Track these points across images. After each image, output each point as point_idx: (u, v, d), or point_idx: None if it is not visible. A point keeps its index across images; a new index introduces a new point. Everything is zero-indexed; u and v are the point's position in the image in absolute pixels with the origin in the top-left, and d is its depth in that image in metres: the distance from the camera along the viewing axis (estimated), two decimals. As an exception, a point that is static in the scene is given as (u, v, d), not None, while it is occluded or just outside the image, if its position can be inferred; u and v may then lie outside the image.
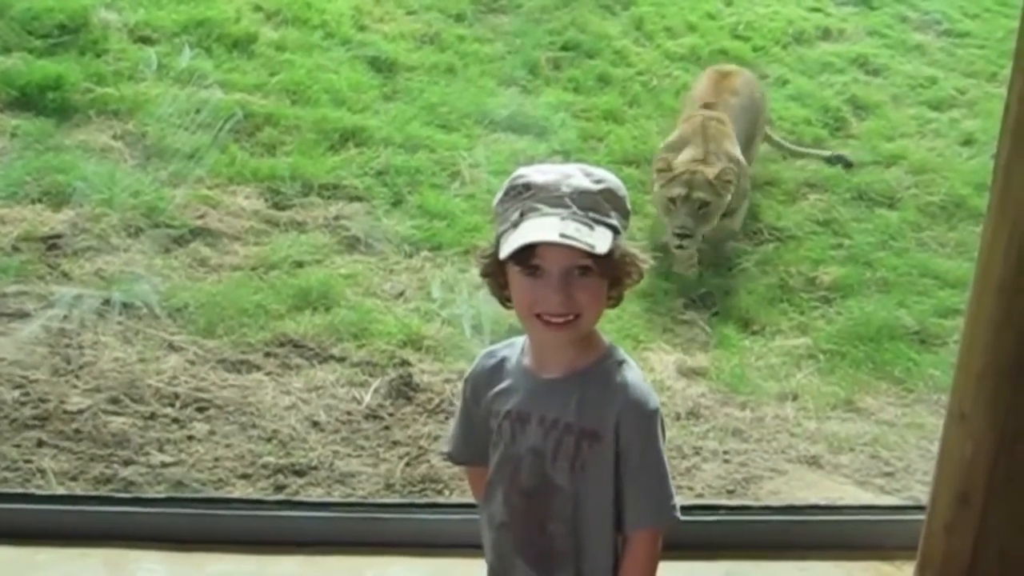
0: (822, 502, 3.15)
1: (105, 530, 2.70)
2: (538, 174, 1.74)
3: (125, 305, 3.82)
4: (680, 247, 4.38)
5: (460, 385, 2.00)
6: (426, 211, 4.53)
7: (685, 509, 1.81)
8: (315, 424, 3.37)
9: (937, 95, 5.97)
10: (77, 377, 3.47)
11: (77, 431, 3.24)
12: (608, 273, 1.73)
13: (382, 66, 5.53)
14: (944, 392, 2.85)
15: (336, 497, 3.07)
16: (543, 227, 1.66)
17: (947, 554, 2.42)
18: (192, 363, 3.60)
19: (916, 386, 3.83)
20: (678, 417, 3.53)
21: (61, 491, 3.01)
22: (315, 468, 3.19)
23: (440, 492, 3.12)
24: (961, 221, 4.82)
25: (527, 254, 1.68)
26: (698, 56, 6.04)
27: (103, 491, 3.02)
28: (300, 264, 4.16)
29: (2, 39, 5.14)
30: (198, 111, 4.89)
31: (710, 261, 4.50)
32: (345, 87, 5.27)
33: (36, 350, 3.58)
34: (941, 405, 3.00)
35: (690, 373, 3.83)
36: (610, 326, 3.52)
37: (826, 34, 6.53)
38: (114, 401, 3.37)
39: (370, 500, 3.05)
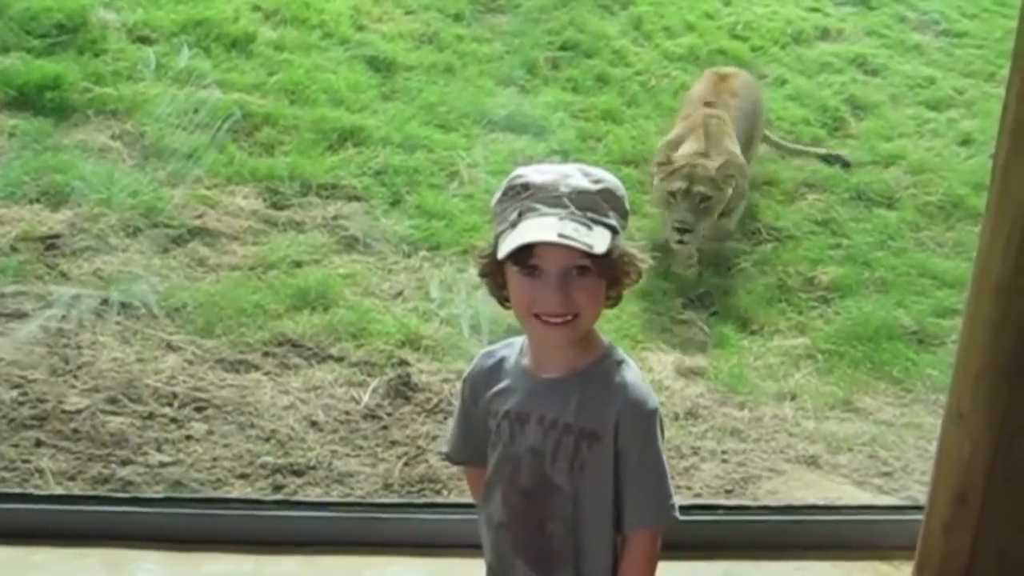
0: (820, 502, 3.15)
1: (103, 530, 2.70)
2: (536, 174, 1.73)
3: (123, 305, 3.82)
4: (680, 242, 4.36)
5: (459, 385, 2.00)
6: (424, 211, 4.53)
7: (683, 509, 1.80)
8: (313, 424, 3.37)
9: (935, 95, 5.98)
10: (75, 377, 3.47)
11: (75, 431, 3.24)
12: (606, 273, 1.73)
13: (380, 66, 5.53)
14: (942, 392, 2.85)
15: (334, 497, 3.07)
16: (541, 227, 1.66)
17: (945, 554, 2.42)
18: (190, 363, 3.59)
19: (914, 386, 3.83)
20: (676, 417, 3.53)
21: (59, 491, 3.01)
22: (313, 468, 3.19)
23: (438, 492, 3.12)
24: (959, 221, 4.83)
25: (525, 254, 1.68)
26: (696, 56, 6.04)
27: (101, 491, 3.02)
28: (298, 264, 4.16)
29: (0, 39, 5.14)
30: (196, 111, 4.88)
31: (709, 261, 4.50)
32: (343, 87, 5.27)
33: (34, 350, 3.58)
34: (939, 405, 3.00)
35: (688, 373, 3.83)
36: (608, 326, 3.52)
37: (824, 34, 6.54)
38: (112, 401, 3.37)
39: (368, 500, 3.05)
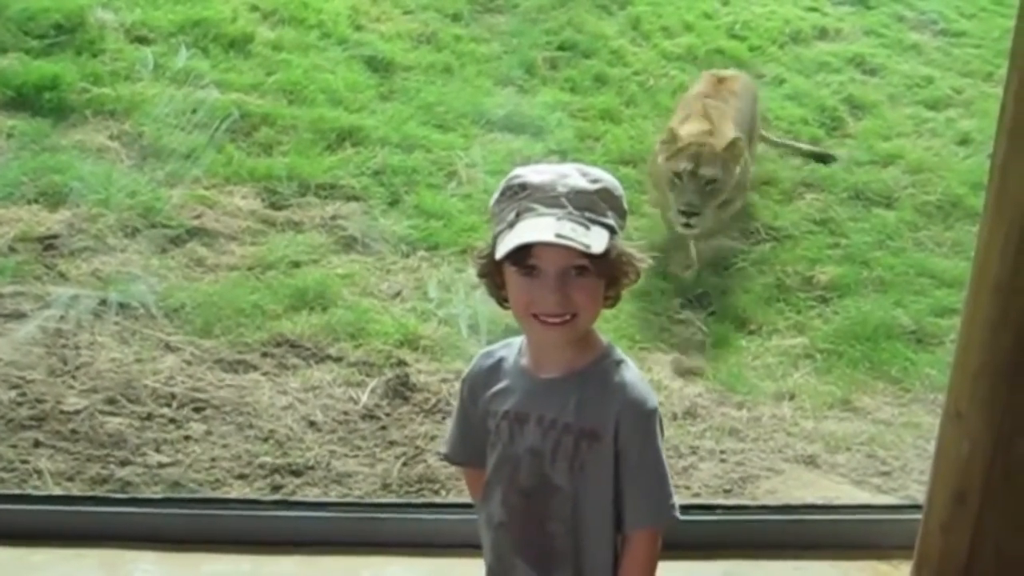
0: (819, 501, 3.15)
1: (101, 530, 2.70)
2: (534, 174, 1.73)
3: (122, 305, 3.82)
4: (687, 225, 4.23)
5: (457, 385, 2.00)
6: (423, 211, 4.53)
7: (682, 509, 1.80)
8: (312, 424, 3.37)
9: (933, 94, 5.97)
10: (74, 377, 3.47)
11: (74, 431, 3.24)
12: (605, 273, 1.72)
13: (379, 66, 5.53)
14: (941, 391, 2.85)
15: (333, 497, 3.07)
16: (539, 227, 1.66)
17: (944, 553, 2.42)
18: (189, 363, 3.59)
19: (913, 385, 3.83)
20: (675, 417, 3.53)
21: (58, 491, 3.00)
22: (312, 468, 3.19)
23: (437, 492, 3.12)
24: (958, 220, 4.83)
25: (523, 254, 1.68)
26: (695, 56, 6.04)
27: (100, 491, 3.02)
28: (297, 264, 4.15)
29: (-2, 39, 5.15)
30: (194, 111, 4.88)
31: (706, 261, 4.50)
32: (342, 87, 5.27)
33: (33, 350, 3.58)
34: (938, 404, 3.00)
35: (687, 373, 3.83)
36: (607, 326, 3.51)
37: (823, 33, 6.54)
38: (111, 401, 3.37)
39: (367, 500, 3.05)
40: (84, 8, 5.35)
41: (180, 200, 4.41)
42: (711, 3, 6.66)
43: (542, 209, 1.68)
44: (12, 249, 4.04)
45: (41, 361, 3.53)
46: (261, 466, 3.18)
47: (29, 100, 4.85)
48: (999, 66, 5.71)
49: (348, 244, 4.32)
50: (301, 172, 4.66)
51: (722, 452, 3.40)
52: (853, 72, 6.12)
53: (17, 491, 2.98)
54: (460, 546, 2.40)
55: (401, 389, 3.51)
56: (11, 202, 4.28)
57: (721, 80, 4.94)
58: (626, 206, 1.77)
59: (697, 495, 3.18)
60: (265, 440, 3.29)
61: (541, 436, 1.77)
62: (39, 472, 3.08)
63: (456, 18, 6.08)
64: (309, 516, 2.78)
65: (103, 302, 3.83)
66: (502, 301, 1.80)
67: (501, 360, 1.85)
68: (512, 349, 1.85)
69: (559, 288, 1.69)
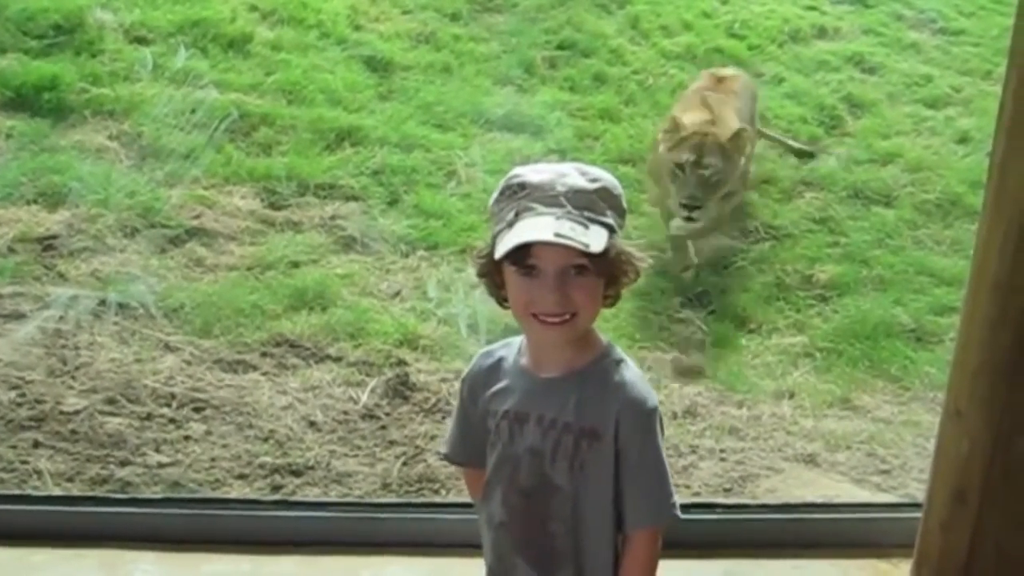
0: (819, 500, 3.15)
1: (101, 531, 2.70)
2: (533, 173, 1.73)
3: (121, 306, 3.82)
4: (689, 219, 4.14)
5: (457, 385, 2.00)
6: (422, 210, 4.53)
7: (682, 508, 1.80)
8: (312, 424, 3.37)
9: (932, 93, 5.97)
10: (73, 378, 3.47)
11: (73, 432, 3.24)
12: (604, 272, 1.72)
13: (378, 66, 5.53)
14: (940, 390, 2.85)
15: (333, 497, 3.07)
16: (538, 227, 1.66)
17: (944, 551, 2.42)
18: (188, 363, 3.59)
19: (912, 384, 3.83)
20: (675, 416, 3.53)
21: (57, 492, 3.00)
22: (312, 468, 3.19)
23: (437, 492, 3.12)
24: (957, 219, 4.83)
25: (522, 254, 1.68)
26: (694, 55, 6.04)
27: (99, 492, 3.02)
28: (296, 264, 4.15)
29: (-3, 40, 5.15)
30: (194, 111, 4.88)
31: (706, 260, 4.50)
32: (341, 87, 5.27)
33: (32, 351, 3.58)
34: (937, 403, 3.00)
35: (686, 372, 3.83)
36: (606, 325, 3.52)
37: (822, 32, 6.54)
38: (110, 402, 3.37)
39: (367, 500, 3.05)
40: (83, 8, 5.35)
41: (179, 200, 4.41)
42: (710, 2, 6.66)
43: (541, 208, 1.68)
44: (11, 249, 4.04)
45: (40, 361, 3.53)
46: (261, 466, 3.18)
47: (28, 100, 4.85)
48: (998, 64, 5.71)
49: (347, 244, 4.32)
50: (300, 172, 4.66)
51: (722, 451, 3.40)
52: (852, 71, 6.12)
53: (17, 491, 2.98)
54: (460, 546, 2.40)
55: (401, 389, 3.51)
56: (10, 202, 4.28)
57: (721, 79, 4.93)
58: (625, 205, 1.77)
59: (697, 494, 3.18)
60: (265, 440, 3.29)
61: (541, 436, 1.77)
62: (39, 472, 3.08)
63: (455, 17, 6.08)
64: (309, 516, 2.78)
65: (102, 302, 3.83)
66: (501, 301, 1.80)
67: (501, 360, 1.85)
68: (512, 349, 1.85)
69: (558, 287, 1.69)
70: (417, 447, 3.29)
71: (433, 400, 3.47)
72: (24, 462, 3.12)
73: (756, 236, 4.70)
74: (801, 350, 3.99)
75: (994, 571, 2.38)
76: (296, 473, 3.17)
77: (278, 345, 3.71)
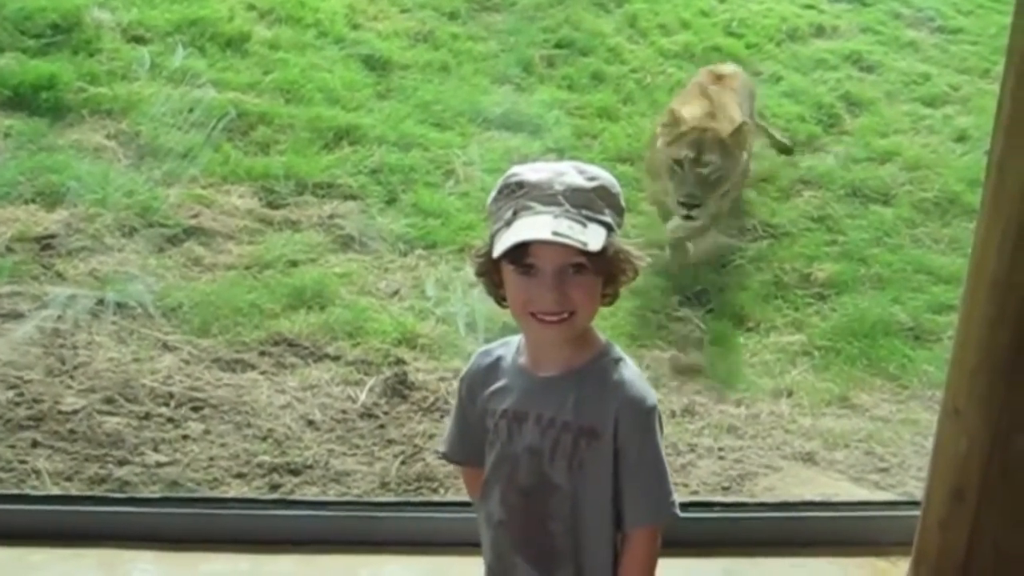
0: (817, 498, 3.15)
1: (100, 530, 2.70)
2: (531, 172, 1.73)
3: (119, 305, 3.82)
4: (688, 217, 4.08)
5: (455, 384, 2.00)
6: (420, 209, 4.53)
7: (680, 506, 1.80)
8: (310, 423, 3.37)
9: (930, 91, 5.98)
10: (72, 377, 3.46)
11: (72, 431, 3.24)
12: (602, 270, 1.72)
13: (376, 64, 5.53)
14: (938, 388, 2.85)
15: (331, 496, 3.07)
16: (536, 225, 1.66)
17: (942, 550, 2.42)
18: (187, 363, 3.59)
19: (910, 382, 3.83)
20: (673, 414, 3.53)
21: (56, 491, 3.00)
22: (310, 467, 3.19)
23: (435, 490, 3.12)
24: (955, 217, 4.83)
25: (521, 253, 1.68)
26: (692, 53, 6.04)
27: (98, 491, 3.02)
28: (294, 263, 4.15)
29: (-5, 39, 5.14)
30: (191, 110, 4.88)
31: (705, 258, 4.50)
32: (339, 86, 5.27)
33: (30, 350, 3.57)
34: (935, 401, 3.00)
35: (685, 370, 3.83)
36: (604, 323, 3.52)
37: (820, 31, 6.54)
38: (109, 401, 3.37)
39: (365, 499, 3.05)
40: (81, 7, 5.35)
41: (177, 199, 4.41)
42: (708, 0, 6.66)
43: (539, 207, 1.68)
44: (9, 249, 4.04)
45: (39, 361, 3.53)
46: (259, 465, 3.18)
47: (26, 100, 4.85)
48: (996, 63, 5.71)
49: (346, 243, 4.32)
50: (298, 171, 4.65)
51: (720, 449, 3.40)
52: (850, 69, 6.12)
53: (15, 491, 2.98)
54: (458, 545, 2.40)
55: (399, 388, 3.50)
56: (8, 202, 4.28)
57: (719, 77, 4.93)
58: (624, 204, 1.77)
59: (695, 493, 3.18)
60: (263, 439, 3.29)
61: (540, 434, 1.77)
62: (37, 472, 3.08)
63: (453, 16, 6.08)
64: (307, 515, 2.78)
65: (100, 302, 3.82)
66: (500, 299, 1.80)
67: (499, 359, 1.85)
68: (510, 347, 1.85)
69: (557, 286, 1.69)
70: (416, 446, 3.29)
71: (432, 399, 3.47)
72: (22, 461, 3.11)
73: (754, 234, 4.70)
74: (799, 348, 3.99)
75: (992, 569, 2.38)
76: (294, 472, 3.17)
77: (276, 344, 3.71)
